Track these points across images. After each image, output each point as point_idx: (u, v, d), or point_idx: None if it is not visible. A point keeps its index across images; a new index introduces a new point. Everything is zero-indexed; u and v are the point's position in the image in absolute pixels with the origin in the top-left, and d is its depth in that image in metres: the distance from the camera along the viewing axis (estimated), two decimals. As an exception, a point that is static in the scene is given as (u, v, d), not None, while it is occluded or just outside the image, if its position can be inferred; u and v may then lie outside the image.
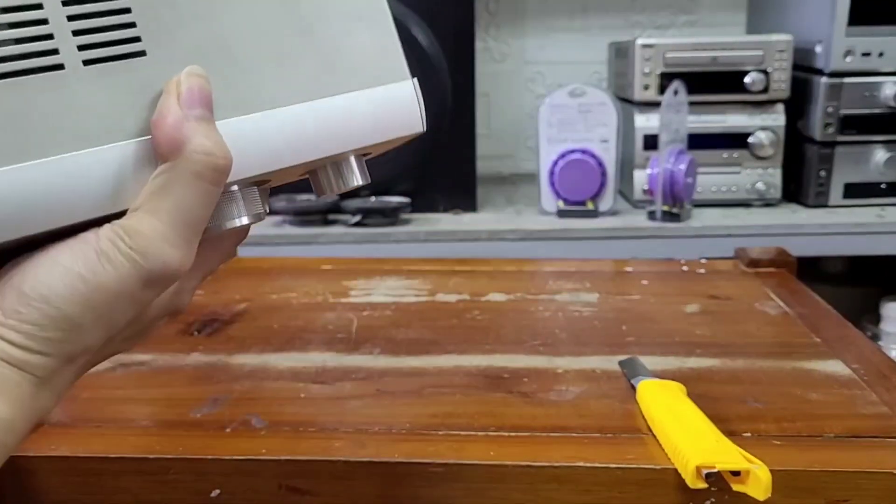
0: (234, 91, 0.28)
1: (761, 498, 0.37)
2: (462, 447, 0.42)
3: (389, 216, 1.14)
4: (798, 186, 1.23)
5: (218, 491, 0.41)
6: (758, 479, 0.37)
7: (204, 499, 0.41)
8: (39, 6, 0.25)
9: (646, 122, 1.20)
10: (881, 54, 1.15)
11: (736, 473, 0.38)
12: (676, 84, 1.12)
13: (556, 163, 1.17)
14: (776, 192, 1.22)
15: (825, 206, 1.20)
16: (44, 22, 0.25)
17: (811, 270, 1.36)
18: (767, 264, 0.73)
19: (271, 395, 0.48)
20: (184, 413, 0.46)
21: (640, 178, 1.21)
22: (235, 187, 0.29)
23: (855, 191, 1.20)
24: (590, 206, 1.18)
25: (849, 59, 1.15)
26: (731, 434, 0.41)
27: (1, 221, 0.24)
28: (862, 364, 0.51)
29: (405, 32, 1.05)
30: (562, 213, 1.18)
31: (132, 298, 0.26)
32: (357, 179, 0.32)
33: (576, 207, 1.18)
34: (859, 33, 1.14)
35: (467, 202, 1.21)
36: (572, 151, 1.16)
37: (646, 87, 1.19)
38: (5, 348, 0.24)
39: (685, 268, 0.74)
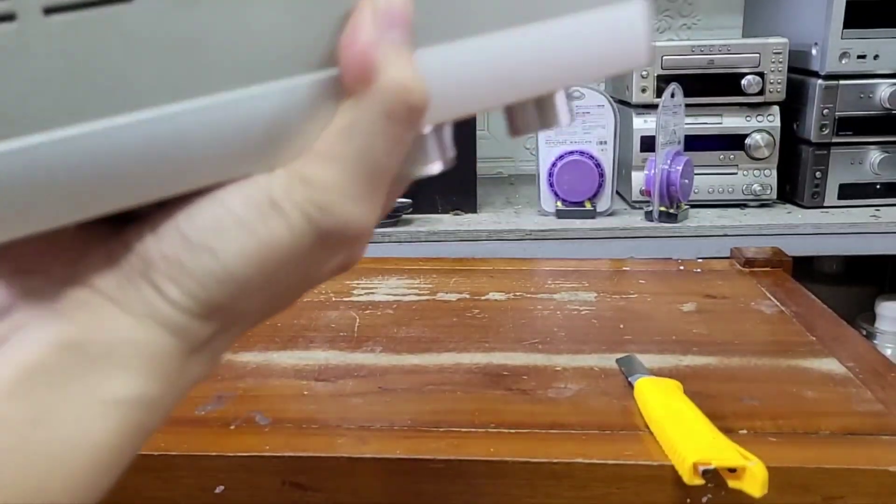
0: (435, 12, 0.22)
1: (757, 494, 0.37)
2: (462, 443, 0.42)
3: (391, 216, 1.15)
4: (793, 187, 1.24)
5: (222, 487, 0.41)
6: (754, 475, 0.37)
7: (208, 495, 0.42)
8: None
9: (643, 125, 1.21)
10: (876, 57, 1.15)
11: (732, 470, 0.38)
12: (673, 86, 1.13)
13: (554, 164, 1.18)
14: (772, 193, 1.22)
15: (820, 206, 1.21)
16: None
17: (807, 270, 1.37)
18: (763, 264, 0.73)
19: (275, 393, 0.49)
20: (188, 410, 0.46)
21: (638, 178, 1.21)
22: (428, 128, 0.23)
23: (850, 191, 1.20)
24: (588, 206, 1.18)
25: (844, 61, 1.15)
26: (727, 431, 0.42)
27: (158, 173, 0.19)
28: (857, 362, 0.52)
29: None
30: (560, 214, 1.19)
31: (304, 260, 0.21)
32: (564, 119, 0.26)
33: (574, 208, 1.19)
34: (855, 36, 1.14)
35: (468, 203, 1.22)
36: (571, 153, 1.17)
37: (643, 90, 1.20)
38: (162, 308, 0.20)
39: (682, 267, 0.74)
